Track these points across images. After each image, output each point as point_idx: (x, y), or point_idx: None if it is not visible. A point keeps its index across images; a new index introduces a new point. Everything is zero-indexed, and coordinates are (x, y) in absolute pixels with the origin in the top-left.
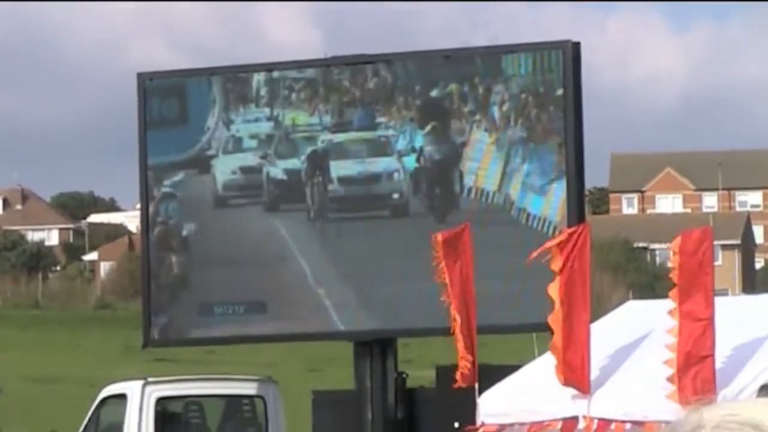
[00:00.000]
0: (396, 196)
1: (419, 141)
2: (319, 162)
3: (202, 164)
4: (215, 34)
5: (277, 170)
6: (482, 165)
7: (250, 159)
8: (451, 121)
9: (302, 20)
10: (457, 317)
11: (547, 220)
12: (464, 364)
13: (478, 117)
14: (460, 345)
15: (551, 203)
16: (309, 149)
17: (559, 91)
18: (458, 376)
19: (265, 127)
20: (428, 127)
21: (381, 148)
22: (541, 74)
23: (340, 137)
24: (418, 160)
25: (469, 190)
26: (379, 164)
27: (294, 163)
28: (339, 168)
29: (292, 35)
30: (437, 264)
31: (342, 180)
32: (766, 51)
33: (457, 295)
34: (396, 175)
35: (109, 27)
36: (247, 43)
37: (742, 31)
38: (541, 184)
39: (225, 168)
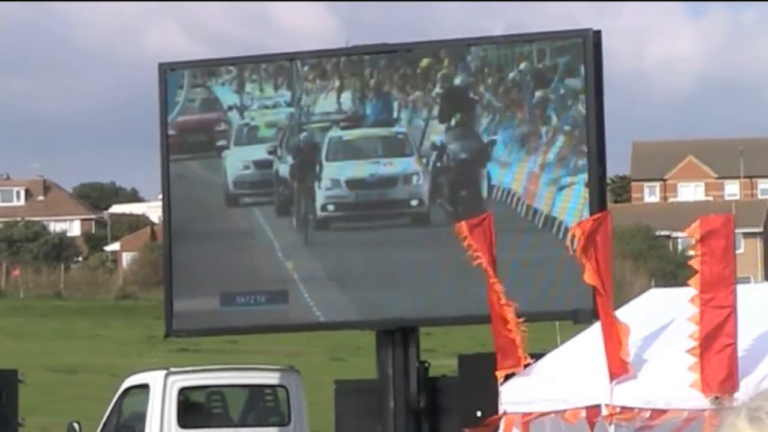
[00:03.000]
0: (414, 202)
1: (440, 136)
2: (312, 160)
3: (215, 155)
4: (230, 20)
5: (287, 167)
6: (506, 162)
7: (264, 152)
8: (475, 114)
9: (317, 7)
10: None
11: (563, 222)
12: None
13: (499, 108)
14: (513, 328)
15: (571, 199)
16: (301, 143)
17: (580, 80)
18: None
19: (283, 115)
20: (453, 120)
21: (398, 147)
22: (562, 63)
23: (351, 134)
24: (440, 158)
25: (496, 190)
26: (396, 165)
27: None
28: (348, 169)
29: (307, 22)
30: (470, 249)
31: (351, 183)
32: None
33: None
34: (415, 178)
35: (125, 14)
36: (262, 29)
37: (757, 17)
38: (560, 177)
39: (236, 161)
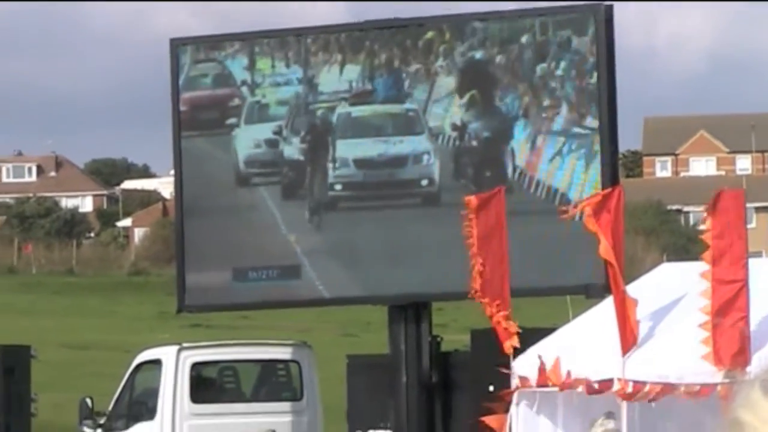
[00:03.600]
0: (425, 182)
1: (458, 115)
2: (321, 139)
3: (225, 133)
4: None
5: (293, 149)
6: (523, 141)
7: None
8: (496, 90)
9: None
10: (478, 279)
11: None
12: (499, 321)
13: (526, 90)
14: (492, 309)
15: (573, 172)
16: (308, 123)
17: (584, 53)
18: (503, 336)
19: (293, 93)
20: (467, 97)
21: (408, 125)
22: (564, 36)
23: (360, 110)
24: (461, 138)
25: (519, 171)
26: (406, 144)
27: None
28: (357, 148)
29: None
30: (468, 226)
31: (359, 163)
32: None
33: (488, 258)
34: (425, 157)
35: None
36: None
37: None
38: (562, 150)
39: (247, 140)
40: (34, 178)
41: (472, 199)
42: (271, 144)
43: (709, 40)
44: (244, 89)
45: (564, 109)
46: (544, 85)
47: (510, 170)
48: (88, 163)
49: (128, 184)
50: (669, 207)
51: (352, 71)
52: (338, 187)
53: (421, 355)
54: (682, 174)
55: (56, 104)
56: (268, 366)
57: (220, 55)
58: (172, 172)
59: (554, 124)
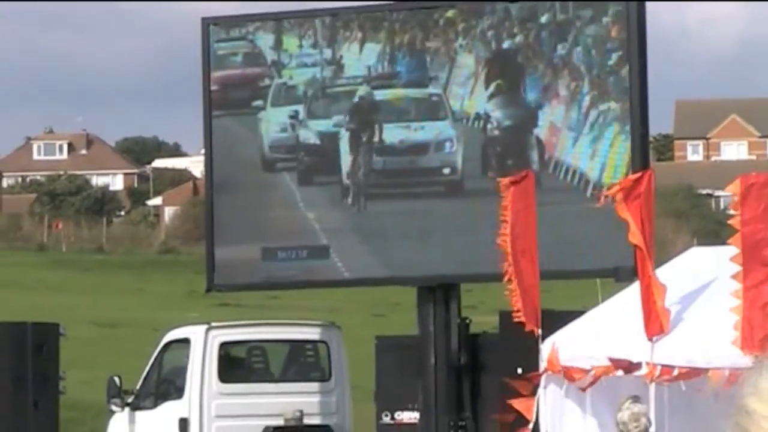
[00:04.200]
0: (447, 170)
1: (483, 103)
2: (366, 119)
3: (251, 113)
4: None
5: (310, 133)
6: (551, 131)
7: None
8: (523, 79)
9: None
10: (510, 262)
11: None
12: (518, 314)
13: (547, 72)
14: (516, 293)
15: (599, 154)
16: (351, 102)
17: (616, 35)
18: (528, 316)
19: (311, 75)
20: (492, 86)
21: (432, 110)
22: (587, 16)
23: (382, 94)
24: (484, 128)
25: (549, 160)
26: (428, 130)
27: (328, 124)
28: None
29: None
30: (504, 205)
31: (380, 149)
32: None
33: (520, 240)
34: (448, 144)
35: None
36: None
37: None
38: (587, 132)
39: (273, 123)
40: (65, 155)
41: (504, 181)
42: (291, 128)
43: (742, 23)
44: (273, 69)
45: (586, 89)
46: (565, 65)
47: (536, 158)
48: (119, 141)
49: (159, 163)
50: (700, 191)
51: (373, 51)
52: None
53: (450, 336)
54: (714, 158)
55: (87, 81)
56: (296, 346)
57: (250, 33)
58: (203, 151)
59: (578, 106)
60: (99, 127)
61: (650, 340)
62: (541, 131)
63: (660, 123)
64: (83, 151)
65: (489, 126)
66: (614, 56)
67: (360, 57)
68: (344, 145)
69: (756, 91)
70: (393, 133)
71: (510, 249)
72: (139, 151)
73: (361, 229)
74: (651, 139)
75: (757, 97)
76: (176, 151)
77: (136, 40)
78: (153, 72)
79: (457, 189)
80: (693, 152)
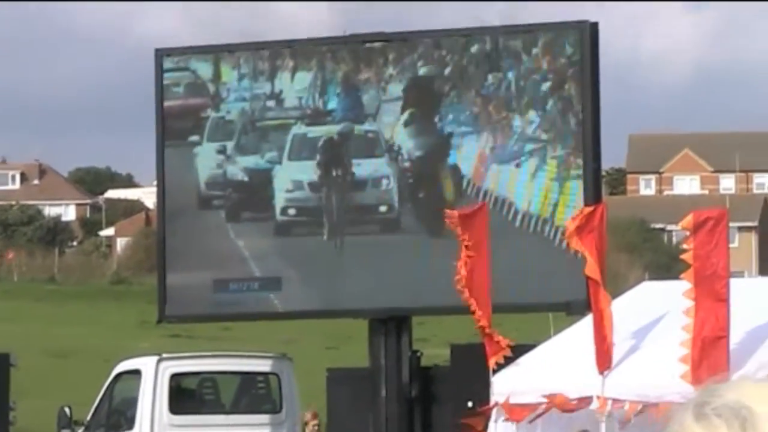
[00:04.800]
0: (383, 208)
1: (401, 134)
2: (337, 156)
3: (188, 147)
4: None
5: (236, 169)
6: (480, 159)
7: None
8: (438, 108)
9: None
10: (470, 295)
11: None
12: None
13: (485, 100)
14: (484, 321)
15: (535, 186)
16: (322, 140)
17: (574, 72)
18: (492, 348)
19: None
20: (406, 114)
21: (368, 147)
22: (557, 55)
23: (316, 131)
24: (396, 159)
25: (469, 188)
26: (364, 167)
27: (258, 161)
28: (312, 170)
29: (303, 9)
30: (460, 239)
31: (314, 186)
32: None
33: (475, 274)
34: (385, 182)
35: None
36: (259, 17)
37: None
38: (523, 164)
39: (209, 160)
40: (17, 185)
41: (454, 214)
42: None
43: (694, 56)
44: (212, 101)
45: (518, 121)
46: (496, 95)
47: (451, 187)
48: (72, 171)
49: (112, 194)
50: (652, 225)
51: (304, 81)
52: (292, 211)
53: (401, 368)
54: (666, 192)
55: (40, 111)
56: (247, 378)
57: (193, 64)
58: (155, 182)
59: (512, 136)
60: (52, 157)
61: (601, 373)
62: (466, 161)
63: (613, 157)
64: (36, 181)
65: (400, 157)
66: (544, 86)
67: (292, 86)
68: (278, 182)
69: (708, 124)
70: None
71: (465, 282)
72: (91, 182)
73: (313, 260)
74: (603, 173)
75: (709, 131)
76: (129, 182)
77: (88, 68)
78: (106, 102)
79: (394, 227)
80: (646, 186)
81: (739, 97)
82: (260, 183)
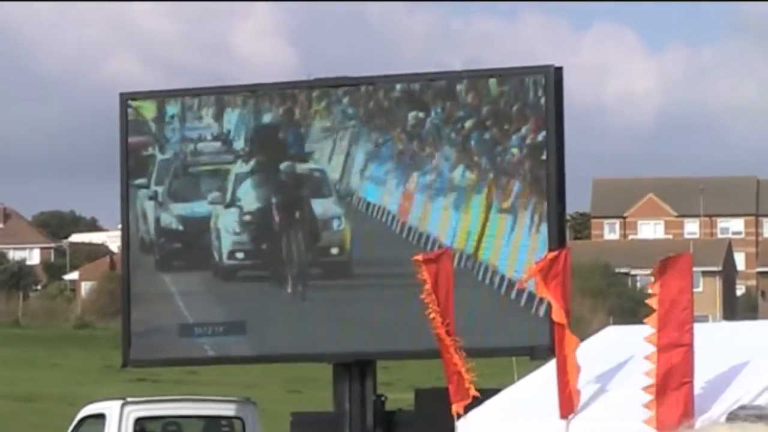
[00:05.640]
0: (335, 250)
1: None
2: (294, 199)
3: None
4: (187, 49)
5: (170, 217)
6: (407, 195)
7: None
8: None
9: (276, 37)
10: (445, 336)
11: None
12: (463, 377)
13: (401, 137)
14: (458, 360)
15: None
16: (276, 180)
17: (538, 117)
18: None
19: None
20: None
21: (315, 186)
22: (521, 98)
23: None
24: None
25: (419, 236)
26: (315, 207)
27: (195, 207)
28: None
29: (265, 51)
30: (424, 283)
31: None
32: (737, 76)
33: (442, 316)
34: (336, 222)
35: (84, 42)
36: (219, 58)
37: (714, 55)
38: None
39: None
40: None
41: (418, 258)
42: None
43: (658, 101)
44: (156, 141)
45: (447, 156)
46: (418, 132)
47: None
48: (36, 215)
49: (76, 237)
50: (617, 269)
51: (246, 124)
52: (240, 255)
53: (366, 413)
54: (630, 237)
55: (4, 154)
56: (211, 422)
57: (140, 104)
58: (120, 226)
59: (437, 173)
60: (16, 200)
61: (563, 418)
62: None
63: (578, 201)
64: (0, 225)
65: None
66: (468, 123)
67: (236, 133)
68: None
69: (673, 169)
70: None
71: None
72: (56, 225)
73: (275, 305)
74: (568, 217)
75: (673, 175)
76: (93, 226)
77: (53, 113)
78: (71, 146)
79: (345, 270)
80: (610, 231)
81: (702, 143)
82: (197, 231)
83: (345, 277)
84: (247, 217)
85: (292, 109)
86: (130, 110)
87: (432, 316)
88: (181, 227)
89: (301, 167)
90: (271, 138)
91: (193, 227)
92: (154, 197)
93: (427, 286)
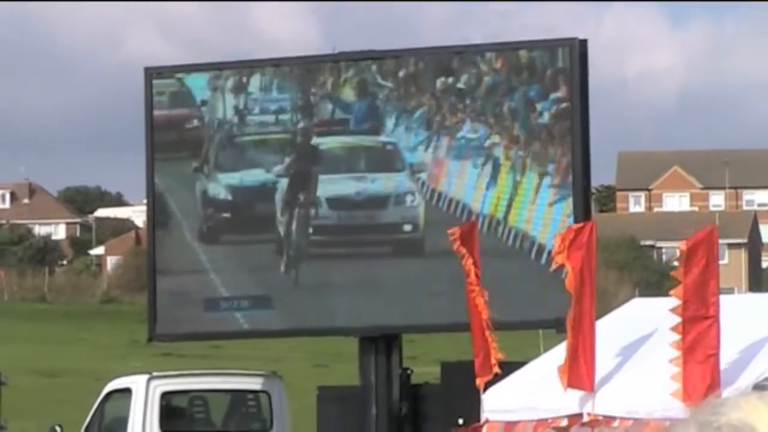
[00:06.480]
0: (408, 227)
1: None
2: (303, 175)
3: (184, 158)
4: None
5: (218, 187)
6: (480, 179)
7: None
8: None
9: (298, 14)
10: (483, 309)
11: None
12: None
13: (479, 116)
14: (489, 335)
15: (546, 216)
16: (290, 153)
17: (564, 89)
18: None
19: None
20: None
21: (387, 160)
22: (546, 71)
23: (326, 142)
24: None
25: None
26: (385, 182)
27: (244, 177)
28: (328, 185)
29: (288, 28)
30: (462, 256)
31: (334, 202)
32: (760, 49)
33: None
34: (409, 198)
35: (108, 18)
36: (242, 36)
37: (737, 29)
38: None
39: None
40: (7, 205)
41: (452, 231)
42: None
43: (680, 76)
44: (206, 109)
45: (479, 127)
46: (445, 98)
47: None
48: (62, 190)
49: (102, 212)
50: (642, 242)
51: (319, 98)
52: (309, 230)
53: (391, 387)
54: (656, 209)
55: (30, 130)
56: (238, 396)
57: (182, 72)
58: (145, 200)
59: (467, 142)
60: (42, 176)
61: (566, 387)
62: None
63: (603, 175)
64: (26, 201)
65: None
66: (497, 89)
67: (303, 103)
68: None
69: (696, 142)
70: (348, 185)
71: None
72: (81, 201)
73: (305, 279)
74: (593, 190)
75: (697, 148)
76: (119, 201)
77: (76, 87)
78: (96, 121)
79: (418, 248)
80: (635, 203)
81: (723, 118)
82: (247, 201)
83: (418, 256)
84: (299, 194)
85: (336, 82)
86: (172, 81)
87: (471, 288)
88: (230, 197)
89: (371, 140)
90: (326, 110)
91: (246, 197)
92: (199, 168)
93: (468, 259)
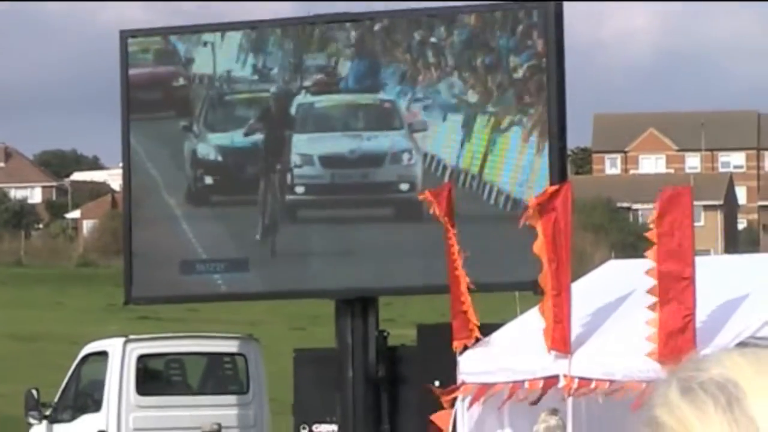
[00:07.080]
0: (405, 186)
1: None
2: (279, 136)
3: (171, 117)
4: None
5: (208, 148)
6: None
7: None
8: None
9: None
10: (461, 272)
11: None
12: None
13: (456, 76)
14: (465, 298)
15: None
16: (265, 112)
17: (540, 44)
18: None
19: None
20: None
21: (385, 118)
22: (521, 33)
23: (324, 100)
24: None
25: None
26: (381, 140)
27: (233, 138)
28: (322, 143)
29: None
30: (438, 218)
31: (326, 160)
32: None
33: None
34: (406, 156)
35: None
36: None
37: None
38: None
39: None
40: None
41: (428, 194)
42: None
43: (656, 36)
44: (192, 67)
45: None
46: (423, 54)
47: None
48: (38, 154)
49: (78, 176)
50: (618, 204)
51: (313, 56)
52: (300, 189)
53: (368, 349)
54: (632, 172)
55: (5, 93)
56: (214, 359)
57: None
58: (122, 164)
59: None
60: (17, 140)
61: (567, 353)
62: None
63: (578, 136)
64: (1, 164)
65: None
66: (471, 43)
67: (296, 62)
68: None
69: (672, 104)
70: (342, 143)
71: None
72: (57, 164)
73: (282, 242)
74: (569, 152)
75: (673, 110)
76: (95, 164)
77: (53, 51)
78: (71, 84)
79: (415, 210)
80: (611, 166)
81: (702, 79)
82: (237, 162)
83: (416, 220)
84: (309, 150)
85: (323, 43)
86: (157, 39)
87: (451, 250)
88: (220, 158)
89: (368, 97)
90: (319, 70)
91: (236, 158)
92: (188, 127)
93: (445, 220)
